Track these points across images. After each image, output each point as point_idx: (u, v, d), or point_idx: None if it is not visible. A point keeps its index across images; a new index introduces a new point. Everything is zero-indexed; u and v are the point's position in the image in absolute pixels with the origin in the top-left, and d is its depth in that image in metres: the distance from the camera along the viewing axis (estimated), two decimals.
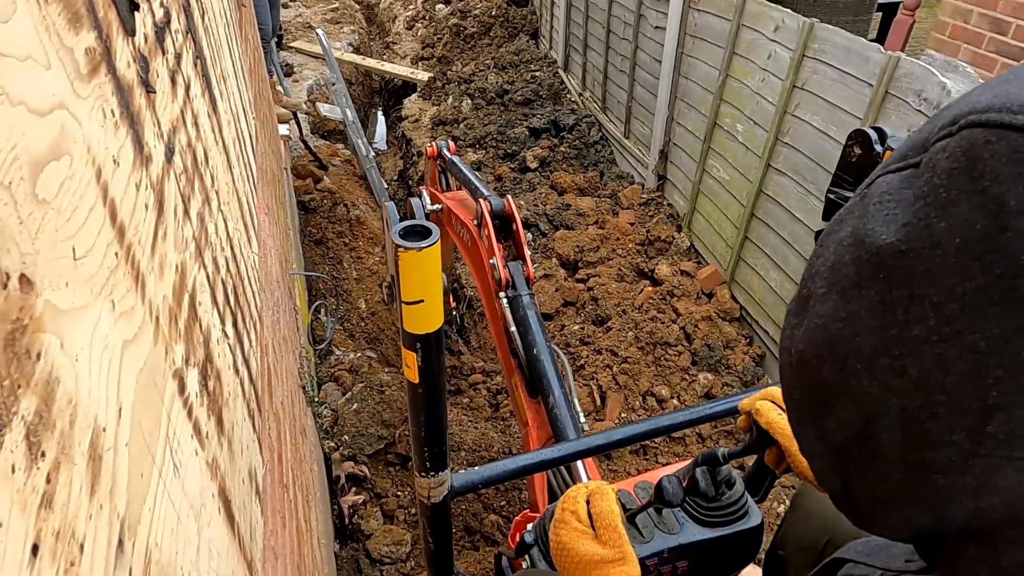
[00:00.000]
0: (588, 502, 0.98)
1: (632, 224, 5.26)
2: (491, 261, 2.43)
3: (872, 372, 0.41)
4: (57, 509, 0.48)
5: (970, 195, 0.35)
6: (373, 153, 6.96)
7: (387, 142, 9.30)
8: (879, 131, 1.38)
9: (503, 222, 2.54)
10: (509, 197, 2.54)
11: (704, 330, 4.20)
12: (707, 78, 4.66)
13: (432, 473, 1.17)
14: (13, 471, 0.42)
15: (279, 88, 6.88)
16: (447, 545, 1.36)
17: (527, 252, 2.49)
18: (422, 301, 0.92)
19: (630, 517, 1.29)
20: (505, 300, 2.40)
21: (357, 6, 11.80)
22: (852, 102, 3.32)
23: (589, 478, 2.02)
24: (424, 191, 3.58)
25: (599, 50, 6.56)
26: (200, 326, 1.06)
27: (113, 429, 0.61)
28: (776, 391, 1.15)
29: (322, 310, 4.82)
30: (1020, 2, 3.79)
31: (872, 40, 8.16)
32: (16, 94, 0.53)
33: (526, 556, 1.36)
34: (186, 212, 1.10)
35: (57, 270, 0.55)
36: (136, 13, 0.98)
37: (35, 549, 0.44)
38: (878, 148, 1.38)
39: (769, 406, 1.13)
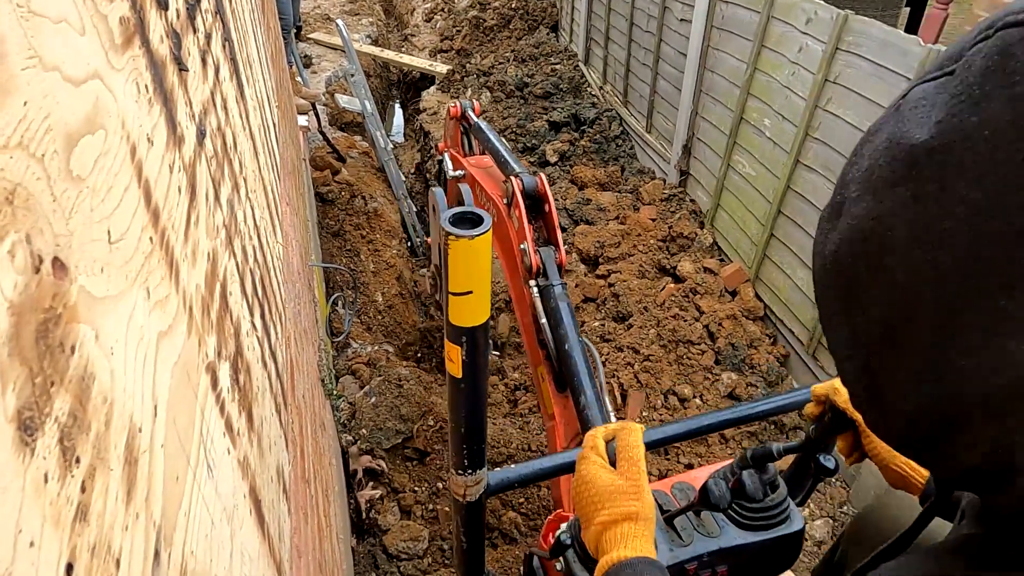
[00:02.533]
0: (611, 440, 0.97)
1: (654, 220, 5.18)
2: (522, 246, 2.24)
3: (905, 264, 0.43)
4: (92, 522, 0.42)
5: (1002, 89, 0.36)
6: (391, 145, 6.91)
7: (405, 135, 9.25)
8: None
9: (534, 202, 2.32)
10: (543, 175, 2.30)
11: (728, 329, 4.12)
12: (734, 72, 4.56)
13: (470, 471, 1.13)
14: (46, 481, 0.37)
15: (298, 79, 6.85)
16: (479, 544, 1.32)
17: (560, 236, 2.29)
18: (471, 292, 0.87)
19: (668, 519, 1.24)
20: (536, 289, 2.24)
21: None
22: (888, 97, 3.22)
23: None
24: (445, 154, 3.35)
25: (621, 43, 6.46)
26: (231, 317, 1.01)
27: (149, 429, 0.56)
28: None
29: (340, 302, 4.79)
30: None
31: None
32: (50, 58, 0.48)
33: (560, 558, 1.32)
34: (217, 198, 1.05)
35: (92, 254, 0.50)
36: None
37: (69, 568, 0.38)
38: None
39: None
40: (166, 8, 0.90)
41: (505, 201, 2.39)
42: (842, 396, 1.08)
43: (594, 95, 7.18)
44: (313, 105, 6.36)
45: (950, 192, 0.39)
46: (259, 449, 1.07)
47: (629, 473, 0.91)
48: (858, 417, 1.06)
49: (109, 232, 0.54)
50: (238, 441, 0.92)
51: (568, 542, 1.27)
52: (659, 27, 5.59)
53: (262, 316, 1.35)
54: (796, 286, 4.03)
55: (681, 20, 5.22)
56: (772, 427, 3.75)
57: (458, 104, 3.36)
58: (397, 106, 9.92)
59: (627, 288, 4.48)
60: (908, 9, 7.94)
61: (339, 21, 6.35)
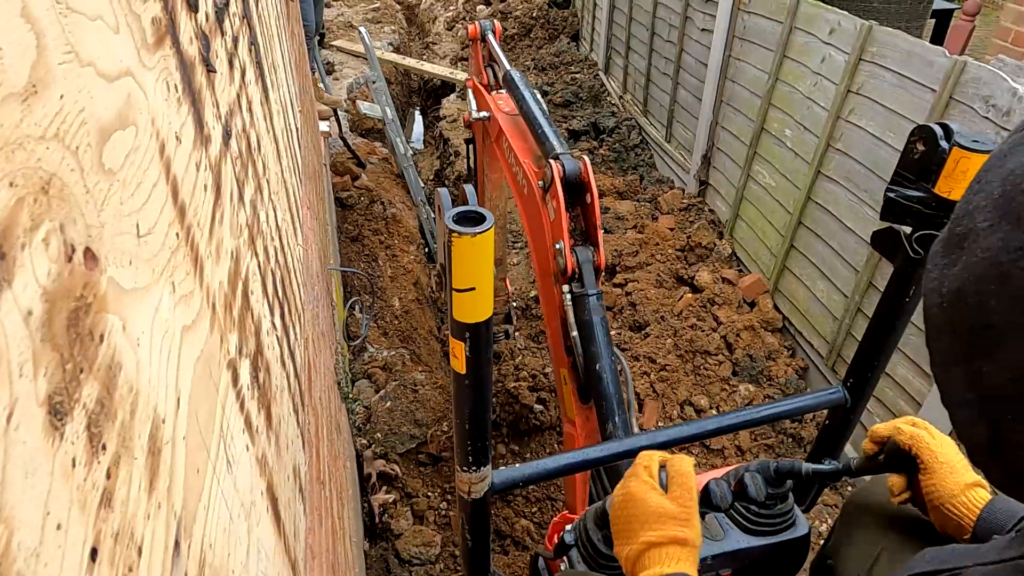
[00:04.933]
0: (663, 466, 0.97)
1: (672, 229, 5.15)
2: (556, 246, 1.95)
3: None
4: (116, 508, 0.43)
5: None
6: (411, 152, 6.96)
7: (424, 142, 9.31)
8: (944, 127, 1.29)
9: (573, 190, 1.97)
10: (586, 159, 1.96)
11: (746, 340, 4.08)
12: (755, 82, 4.54)
13: (474, 468, 1.14)
14: (74, 465, 0.38)
15: (320, 85, 6.93)
16: (485, 543, 1.32)
17: (601, 235, 1.97)
18: (473, 289, 0.89)
19: None
20: (568, 297, 1.97)
21: (398, 6, 11.87)
22: (912, 108, 3.19)
23: None
24: (469, 89, 3.00)
25: (642, 52, 6.46)
26: (252, 316, 1.02)
27: (172, 420, 0.57)
28: (916, 420, 1.12)
29: (357, 306, 4.82)
30: None
31: None
32: (86, 55, 0.49)
33: (564, 557, 1.32)
34: (241, 197, 1.07)
35: (121, 246, 0.51)
36: None
37: (94, 553, 0.39)
38: (944, 144, 1.29)
39: (911, 426, 1.09)
40: (196, 10, 0.92)
41: (541, 184, 2.06)
42: (907, 435, 1.07)
43: (614, 104, 7.18)
44: (335, 111, 6.42)
45: None
46: (277, 448, 1.08)
47: (682, 499, 0.91)
48: (924, 456, 1.04)
49: (138, 226, 0.55)
50: (257, 438, 0.92)
51: (572, 542, 1.27)
52: (680, 37, 5.59)
53: (282, 316, 1.37)
54: (815, 298, 3.99)
55: (702, 30, 5.21)
56: (790, 440, 3.70)
57: (477, 24, 2.94)
58: (417, 113, 9.99)
59: (644, 297, 4.46)
60: (934, 21, 7.86)
61: (361, 29, 6.42)
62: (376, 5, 11.12)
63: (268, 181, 1.46)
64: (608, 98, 7.33)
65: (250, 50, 1.46)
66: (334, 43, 9.18)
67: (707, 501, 1.07)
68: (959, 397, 0.48)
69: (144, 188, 0.58)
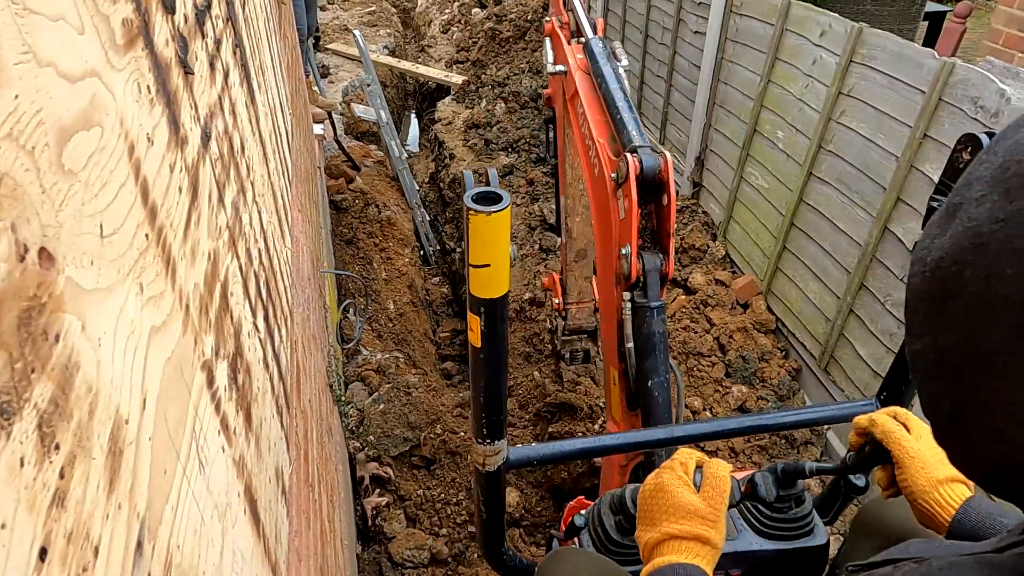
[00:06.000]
0: (700, 466, 0.99)
1: None
2: (623, 250, 1.79)
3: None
4: (71, 508, 0.43)
5: None
6: (406, 155, 6.96)
7: (419, 144, 9.32)
8: (992, 136, 1.28)
9: (649, 187, 1.78)
10: (668, 155, 1.79)
11: (739, 341, 4.08)
12: (747, 84, 4.55)
13: (488, 441, 1.18)
14: (21, 465, 0.38)
15: (315, 88, 6.93)
16: (499, 517, 1.35)
17: (672, 242, 1.81)
18: (488, 265, 0.94)
19: None
20: (628, 305, 1.81)
21: (393, 10, 11.89)
22: (902, 109, 3.20)
23: None
24: (547, 39, 2.70)
25: (635, 55, 6.48)
26: (231, 317, 1.02)
27: (136, 421, 0.57)
28: (898, 410, 1.11)
29: (351, 309, 4.82)
30: None
31: None
32: (45, 55, 0.49)
33: (575, 538, 1.36)
34: (220, 199, 1.06)
35: (82, 246, 0.51)
36: None
37: (43, 553, 0.39)
38: None
39: (887, 418, 1.08)
40: (173, 12, 0.92)
41: (614, 177, 1.86)
42: (879, 428, 1.06)
43: None
44: (329, 114, 6.43)
45: None
46: (257, 449, 1.08)
47: (713, 501, 0.93)
48: (895, 452, 1.03)
49: (101, 226, 0.55)
50: (234, 440, 0.92)
51: (582, 524, 1.31)
52: (673, 39, 5.60)
53: (266, 318, 1.36)
54: (808, 299, 3.99)
55: (695, 32, 5.23)
56: (783, 441, 3.70)
57: None
58: (413, 116, 10.00)
59: None
60: (926, 23, 7.90)
61: (356, 32, 6.42)
62: (372, 8, 11.14)
63: (253, 183, 1.46)
64: None
65: (235, 52, 1.46)
66: (329, 46, 9.19)
67: (754, 493, 1.09)
68: (925, 370, 0.48)
69: (110, 189, 0.58)
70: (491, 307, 0.99)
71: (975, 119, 2.81)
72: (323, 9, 10.41)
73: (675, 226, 1.81)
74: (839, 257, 3.72)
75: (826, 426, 3.74)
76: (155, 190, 0.72)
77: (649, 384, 1.80)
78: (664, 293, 1.86)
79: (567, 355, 3.78)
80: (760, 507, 1.28)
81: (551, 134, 3.18)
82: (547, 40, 2.74)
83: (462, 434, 3.70)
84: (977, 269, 0.40)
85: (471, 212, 0.90)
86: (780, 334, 4.31)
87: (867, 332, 3.49)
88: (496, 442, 1.19)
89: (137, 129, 0.69)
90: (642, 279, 1.79)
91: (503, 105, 7.37)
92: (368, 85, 6.37)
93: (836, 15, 3.73)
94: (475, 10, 10.55)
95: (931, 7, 7.82)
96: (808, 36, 3.89)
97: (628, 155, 1.78)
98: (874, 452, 1.09)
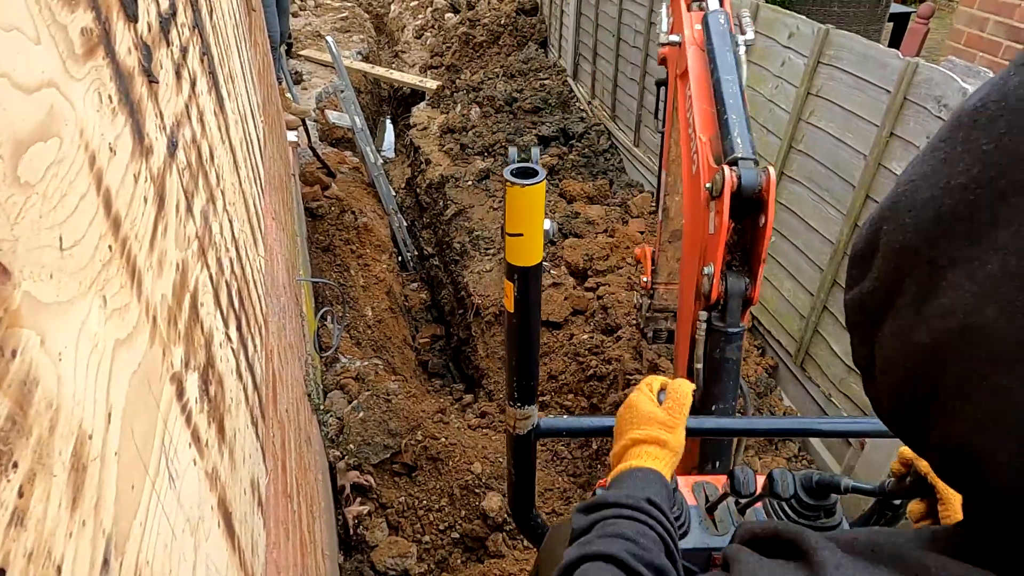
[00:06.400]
0: (664, 388, 1.07)
1: (642, 233, 5.20)
2: (705, 270, 1.66)
3: (917, 222, 0.41)
4: (31, 527, 0.42)
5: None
6: (381, 161, 6.93)
7: (395, 150, 9.29)
8: None
9: (746, 206, 1.63)
10: (771, 171, 1.62)
11: None
12: None
13: (520, 405, 1.23)
14: None
15: (288, 95, 6.88)
16: (529, 481, 1.39)
17: (762, 267, 1.67)
18: (522, 235, 1.01)
19: (709, 508, 1.29)
20: (704, 326, 1.70)
21: (366, 15, 11.85)
22: (869, 109, 3.26)
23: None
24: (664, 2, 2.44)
25: (609, 58, 6.53)
26: (202, 328, 1.00)
27: (101, 436, 0.56)
28: None
29: (328, 317, 4.78)
30: None
31: None
32: None
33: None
34: (189, 209, 1.05)
35: (40, 260, 0.50)
36: (140, 1, 0.93)
37: (1, 573, 0.38)
38: None
39: None
40: (135, 21, 0.91)
41: (708, 187, 1.69)
42: (922, 462, 1.06)
43: (582, 110, 7.23)
44: (303, 121, 6.38)
45: (972, 151, 0.38)
46: (231, 461, 1.07)
47: (672, 410, 1.01)
48: (940, 485, 1.03)
49: (61, 239, 0.54)
50: (206, 452, 0.91)
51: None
52: (646, 43, 5.65)
53: (239, 328, 1.35)
54: (783, 297, 4.05)
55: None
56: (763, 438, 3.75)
57: None
58: (388, 121, 9.97)
59: (615, 300, 4.49)
60: (891, 24, 8.07)
61: (329, 39, 6.39)
62: (344, 14, 11.08)
63: (223, 192, 1.44)
64: (577, 104, 7.38)
65: (202, 60, 1.45)
66: (302, 52, 9.13)
67: (734, 487, 1.10)
68: (853, 319, 0.49)
69: (70, 200, 0.58)
70: (524, 274, 1.07)
71: (939, 117, 2.87)
72: (295, 15, 10.34)
73: (767, 248, 1.65)
74: (812, 255, 3.78)
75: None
76: (118, 200, 0.71)
77: (713, 409, 1.72)
78: (746, 318, 1.74)
79: (650, 334, 3.72)
80: (789, 512, 1.26)
81: (661, 98, 2.83)
82: (664, 5, 2.51)
83: (443, 440, 3.69)
84: (889, 222, 0.43)
85: (508, 183, 0.97)
86: (756, 332, 4.36)
87: (840, 328, 3.55)
88: (527, 407, 1.24)
89: (99, 139, 0.68)
90: (723, 301, 1.67)
91: (478, 109, 7.37)
92: (342, 91, 6.34)
93: (804, 17, 3.80)
94: (448, 15, 10.56)
95: (896, 8, 7.99)
96: (776, 38, 3.95)
97: (726, 168, 1.62)
98: (915, 484, 1.08)
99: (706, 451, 1.76)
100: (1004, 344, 0.35)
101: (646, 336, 3.74)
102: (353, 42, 10.09)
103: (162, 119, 0.97)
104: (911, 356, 0.41)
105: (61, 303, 0.52)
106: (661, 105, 2.93)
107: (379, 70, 9.25)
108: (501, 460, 3.61)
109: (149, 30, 0.99)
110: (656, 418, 0.99)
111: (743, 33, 2.11)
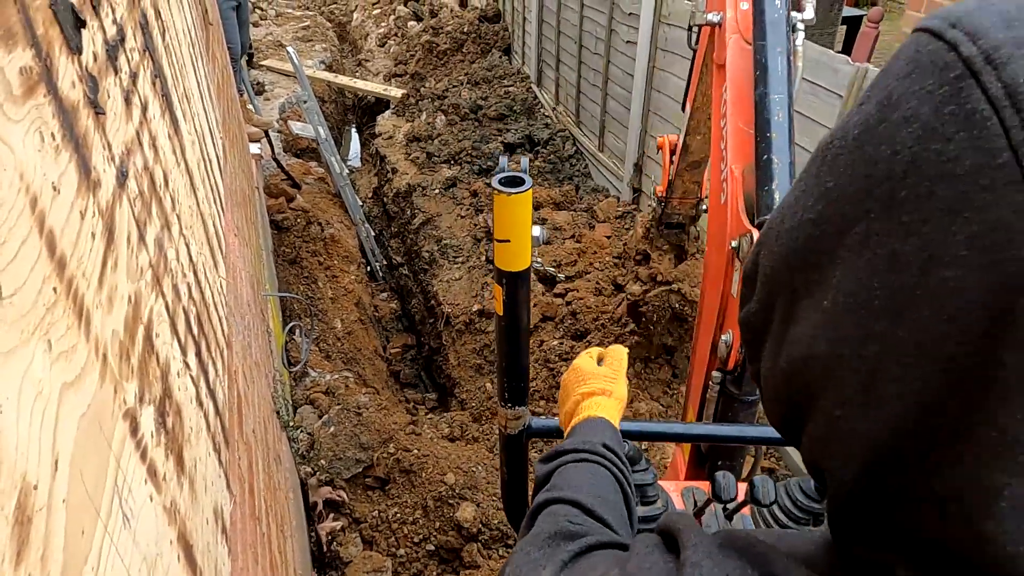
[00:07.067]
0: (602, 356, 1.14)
1: (609, 237, 5.25)
2: (724, 337, 1.54)
3: (782, 251, 0.43)
4: None
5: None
6: (347, 171, 6.89)
7: (361, 159, 9.24)
8: None
9: None
10: None
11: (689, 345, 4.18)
12: (679, 91, 4.67)
13: (511, 405, 1.26)
14: None
15: (250, 107, 6.80)
16: (521, 480, 1.41)
17: None
18: (509, 241, 1.05)
19: (696, 513, 1.32)
20: (717, 386, 1.60)
21: (328, 24, 11.77)
22: (823, 113, 3.35)
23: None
24: None
25: (572, 65, 6.59)
26: (157, 360, 0.99)
27: (47, 485, 0.55)
28: None
29: (297, 331, 4.73)
30: None
31: (838, 52, 8.33)
32: None
33: None
34: (141, 238, 1.04)
35: None
36: (83, 30, 0.92)
37: None
38: None
39: None
40: (80, 52, 0.90)
41: (734, 246, 1.49)
42: None
43: (547, 116, 7.28)
44: (266, 133, 6.31)
45: (817, 176, 0.40)
46: (191, 492, 1.06)
47: (612, 365, 1.08)
48: None
49: (0, 288, 0.54)
50: (164, 486, 0.90)
51: None
52: (607, 49, 5.72)
53: (198, 354, 1.33)
54: None
55: (627, 42, 5.35)
56: None
57: None
58: (353, 130, 9.91)
59: (584, 306, 4.53)
60: (844, 27, 8.28)
61: (289, 49, 6.34)
62: (306, 23, 11.00)
63: (179, 216, 1.42)
64: (541, 110, 7.43)
65: (154, 83, 1.43)
66: (263, 63, 9.03)
67: (715, 492, 1.13)
68: (743, 337, 0.52)
69: (10, 247, 0.57)
70: (512, 279, 1.10)
71: None
72: (256, 25, 10.22)
73: None
74: None
75: None
76: (63, 240, 0.70)
77: (719, 463, 1.67)
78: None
79: (663, 228, 3.69)
80: (779, 518, 1.28)
81: (695, 37, 2.39)
82: None
83: (415, 452, 3.67)
84: (764, 247, 0.46)
85: (495, 192, 1.01)
86: None
87: None
88: (518, 407, 1.27)
89: (40, 180, 0.67)
90: (740, 369, 1.56)
91: (443, 118, 7.38)
92: (305, 102, 6.29)
93: None
94: (411, 23, 10.55)
95: (848, 12, 8.21)
96: None
97: (756, 233, 1.41)
98: None
99: (717, 453, 1.70)
100: (832, 375, 0.37)
101: (660, 228, 3.69)
102: (316, 51, 10.02)
103: (111, 150, 0.96)
104: (775, 378, 0.44)
105: (2, 353, 0.52)
106: (695, 42, 2.43)
107: (343, 79, 9.20)
108: (475, 470, 3.61)
109: (95, 60, 0.98)
110: (598, 373, 1.06)
111: (800, 10, 1.71)
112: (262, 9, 11.46)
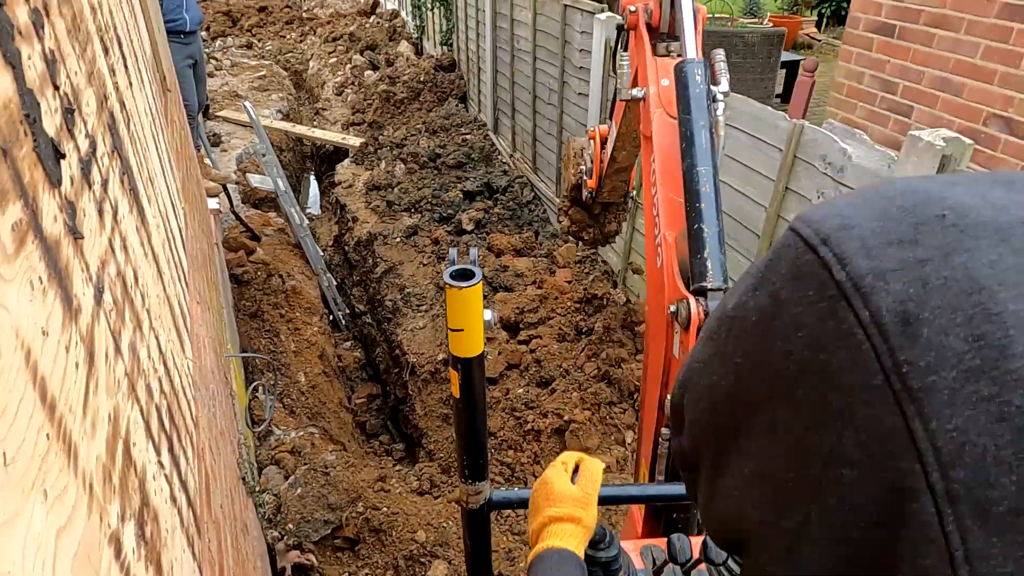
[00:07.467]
0: (578, 465, 1.15)
1: (569, 282, 5.36)
2: (670, 396, 1.17)
3: (705, 405, 0.47)
4: None
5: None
6: (307, 221, 6.89)
7: (320, 207, 9.24)
8: None
9: None
10: None
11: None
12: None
13: (471, 481, 1.31)
14: None
15: (207, 161, 6.78)
16: (484, 552, 1.44)
17: None
18: (462, 330, 1.12)
19: (655, 573, 1.33)
20: (667, 442, 1.60)
21: (284, 72, 11.85)
22: (766, 165, 3.54)
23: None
24: (621, 33, 2.17)
25: (526, 114, 6.78)
26: (135, 470, 1.02)
27: None
28: None
29: (260, 389, 4.68)
30: (905, 65, 4.16)
31: (778, 95, 8.68)
32: None
33: None
34: (117, 349, 1.07)
35: None
36: (62, 161, 0.97)
37: None
38: None
39: None
40: (59, 184, 0.94)
41: (672, 311, 1.53)
42: None
43: (505, 163, 7.44)
44: (224, 186, 6.29)
45: (720, 356, 0.44)
46: None
47: (586, 488, 1.09)
48: None
49: (3, 455, 0.58)
50: None
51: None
52: (560, 100, 5.92)
53: (170, 449, 1.35)
54: None
55: (579, 94, 5.55)
56: None
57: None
58: (312, 179, 9.93)
59: (548, 353, 4.60)
60: (784, 71, 8.73)
61: (247, 103, 6.38)
62: (262, 72, 11.06)
63: (149, 310, 1.45)
64: (499, 157, 7.59)
65: (123, 181, 1.47)
66: (219, 113, 9.03)
67: (671, 553, 1.19)
68: (677, 462, 0.57)
69: (9, 412, 0.61)
70: (467, 364, 1.17)
71: (825, 174, 3.15)
72: (211, 75, 10.23)
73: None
74: None
75: None
76: (52, 383, 0.74)
77: (674, 515, 1.69)
78: None
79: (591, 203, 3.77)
80: (734, 571, 1.31)
81: (619, 44, 2.34)
82: (623, 35, 2.11)
83: (385, 509, 3.65)
84: (686, 393, 0.51)
85: (447, 287, 1.09)
86: None
87: None
88: (478, 483, 1.31)
89: (32, 329, 0.71)
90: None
91: (403, 166, 7.47)
92: (263, 155, 6.31)
93: None
94: (368, 72, 10.70)
95: (786, 56, 8.66)
96: None
97: (692, 301, 1.47)
98: None
99: (671, 506, 1.71)
100: (759, 535, 0.42)
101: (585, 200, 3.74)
102: (272, 100, 10.06)
103: (88, 270, 1.00)
104: (711, 518, 0.49)
105: (7, 520, 0.56)
106: (618, 48, 2.38)
107: (300, 129, 9.25)
108: (445, 526, 3.60)
109: (72, 183, 1.02)
110: (571, 496, 1.07)
111: (716, 84, 1.76)
112: (217, 59, 11.49)
